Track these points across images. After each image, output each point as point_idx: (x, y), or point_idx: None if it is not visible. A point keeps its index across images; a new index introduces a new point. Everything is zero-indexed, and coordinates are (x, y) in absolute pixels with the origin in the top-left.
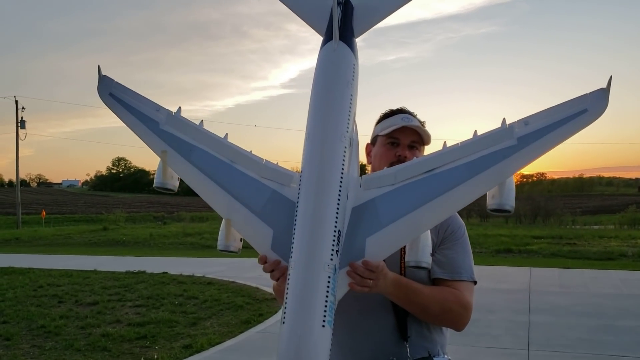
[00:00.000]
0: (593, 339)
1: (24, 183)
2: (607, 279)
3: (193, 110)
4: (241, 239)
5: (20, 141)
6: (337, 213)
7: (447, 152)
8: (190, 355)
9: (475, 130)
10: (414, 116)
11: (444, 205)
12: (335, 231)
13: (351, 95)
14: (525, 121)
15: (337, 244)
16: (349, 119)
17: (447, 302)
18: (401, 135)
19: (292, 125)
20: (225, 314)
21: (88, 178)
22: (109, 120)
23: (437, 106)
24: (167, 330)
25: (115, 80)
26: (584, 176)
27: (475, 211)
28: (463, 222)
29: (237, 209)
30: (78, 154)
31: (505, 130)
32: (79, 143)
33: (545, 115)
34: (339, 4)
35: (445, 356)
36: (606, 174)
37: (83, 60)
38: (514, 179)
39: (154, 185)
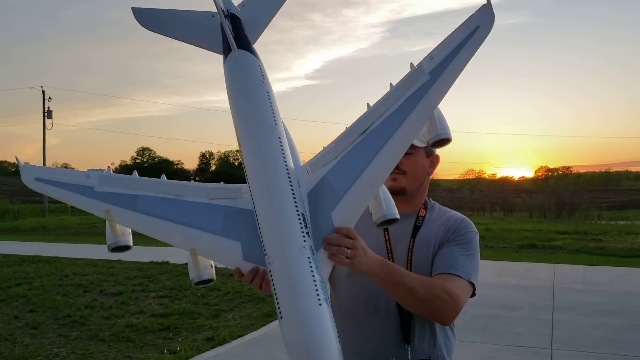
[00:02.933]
0: (618, 339)
1: None
2: (634, 277)
3: (217, 100)
4: (212, 264)
5: (47, 131)
6: (294, 196)
7: (373, 109)
8: (213, 347)
9: (390, 83)
10: None
11: (388, 155)
12: (298, 213)
13: (267, 92)
14: (430, 56)
15: (305, 226)
16: (273, 113)
17: (434, 287)
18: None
19: (315, 116)
20: (247, 306)
21: (113, 167)
22: (134, 110)
23: (461, 99)
24: (189, 322)
25: (36, 166)
26: (611, 170)
27: (499, 205)
28: (476, 229)
29: (197, 236)
30: (103, 143)
31: (416, 70)
32: (104, 133)
33: (446, 44)
34: (225, 17)
35: None
36: (634, 169)
37: (105, 50)
38: (440, 110)
39: (108, 248)
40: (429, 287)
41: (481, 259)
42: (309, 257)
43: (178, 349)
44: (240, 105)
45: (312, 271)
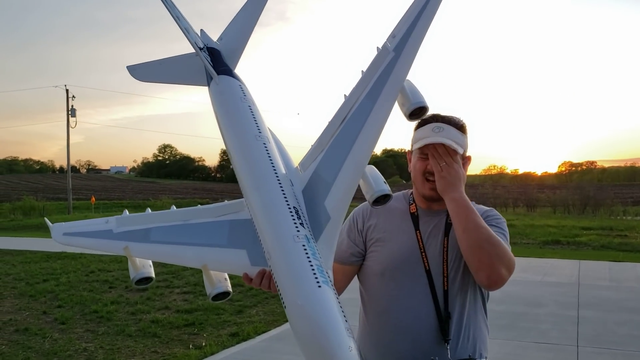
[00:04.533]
0: None
1: (74, 169)
2: None
3: None
4: (226, 278)
5: (70, 129)
6: (282, 192)
7: (349, 98)
8: (237, 343)
9: (362, 70)
10: (450, 122)
11: (367, 136)
12: (289, 206)
13: (249, 106)
14: (392, 35)
15: (298, 218)
16: (256, 123)
17: (502, 247)
18: (427, 148)
19: None
20: (270, 302)
21: (135, 165)
22: (155, 107)
23: (481, 95)
24: (214, 317)
25: (63, 223)
26: (636, 165)
27: (522, 201)
28: (504, 218)
29: (206, 252)
30: (125, 140)
31: (382, 51)
32: (126, 130)
33: (404, 20)
34: (201, 49)
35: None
36: None
37: (129, 49)
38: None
39: (132, 282)
40: (495, 235)
41: None
42: (303, 245)
43: (203, 344)
44: (224, 122)
45: (308, 257)
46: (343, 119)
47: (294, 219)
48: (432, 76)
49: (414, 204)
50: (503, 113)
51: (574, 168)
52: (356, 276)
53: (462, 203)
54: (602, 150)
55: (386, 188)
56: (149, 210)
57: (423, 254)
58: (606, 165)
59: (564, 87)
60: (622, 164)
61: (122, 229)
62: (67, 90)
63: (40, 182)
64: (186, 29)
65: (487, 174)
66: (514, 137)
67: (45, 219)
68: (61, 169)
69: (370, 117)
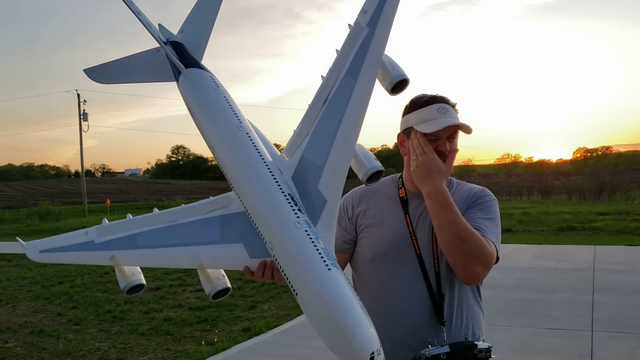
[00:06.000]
0: None
1: (88, 173)
2: None
3: (249, 96)
4: (223, 274)
5: (83, 133)
6: (275, 180)
7: (327, 78)
8: (249, 338)
9: (336, 49)
10: (448, 102)
11: (353, 113)
12: (285, 194)
13: (224, 97)
14: (363, 10)
15: (295, 204)
16: (235, 114)
17: (476, 233)
18: (441, 130)
19: None
20: (282, 297)
21: (149, 166)
22: (167, 109)
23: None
24: (226, 314)
25: (37, 240)
26: None
27: (537, 188)
28: (495, 197)
29: (200, 251)
30: (139, 143)
31: (354, 28)
32: (139, 133)
33: None
34: (165, 43)
35: (485, 342)
36: None
37: (138, 51)
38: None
39: (123, 291)
40: (472, 230)
41: (519, 243)
42: (306, 230)
43: (215, 340)
44: (201, 116)
45: (312, 241)
46: (325, 99)
47: (291, 206)
48: (442, 63)
49: (402, 188)
50: (516, 101)
51: (589, 154)
52: (349, 264)
53: (437, 199)
54: (618, 135)
55: (379, 164)
56: (129, 216)
57: (413, 238)
58: (622, 149)
59: (577, 72)
60: (639, 148)
61: (104, 239)
62: (78, 95)
63: (56, 186)
64: (148, 24)
65: (500, 163)
66: (529, 125)
67: (18, 238)
68: (76, 174)
69: (354, 93)
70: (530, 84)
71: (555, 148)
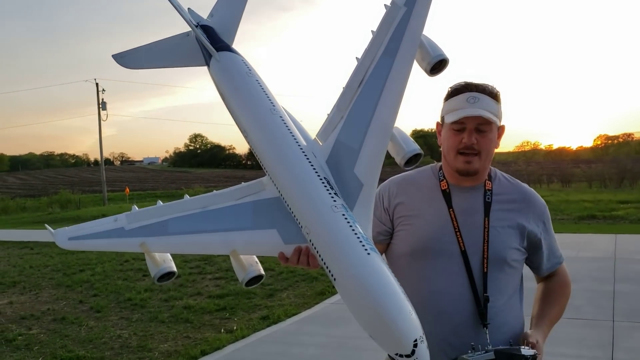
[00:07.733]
0: None
1: (108, 162)
2: None
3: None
4: (256, 261)
5: (102, 122)
6: (311, 164)
7: (363, 59)
8: (268, 326)
9: (371, 30)
10: (484, 91)
11: (391, 94)
12: (320, 178)
13: (257, 80)
14: None
15: (331, 188)
16: (268, 97)
17: (567, 296)
18: (467, 119)
19: None
20: (300, 285)
21: (167, 155)
22: (185, 98)
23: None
24: (245, 302)
25: (66, 227)
26: None
27: (557, 176)
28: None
29: (233, 237)
30: (157, 131)
31: (391, 7)
32: (158, 121)
33: None
34: (196, 26)
35: (530, 349)
36: None
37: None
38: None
39: (154, 280)
40: (566, 294)
41: None
42: (343, 214)
43: (234, 328)
44: (234, 99)
45: (350, 226)
46: (360, 81)
47: (327, 190)
48: (460, 46)
49: (444, 180)
50: (536, 87)
51: (610, 141)
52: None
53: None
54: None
55: (417, 147)
56: (159, 202)
57: (458, 233)
58: None
59: (598, 59)
60: None
61: (134, 225)
62: (97, 84)
63: (76, 175)
64: (179, 7)
65: (520, 150)
66: (548, 112)
67: (47, 225)
68: (96, 162)
69: (392, 74)
70: (551, 70)
71: (576, 135)
